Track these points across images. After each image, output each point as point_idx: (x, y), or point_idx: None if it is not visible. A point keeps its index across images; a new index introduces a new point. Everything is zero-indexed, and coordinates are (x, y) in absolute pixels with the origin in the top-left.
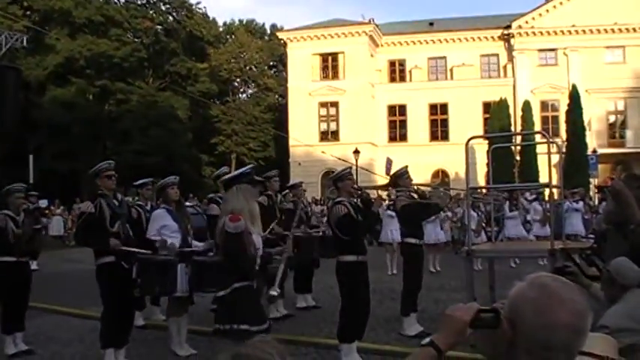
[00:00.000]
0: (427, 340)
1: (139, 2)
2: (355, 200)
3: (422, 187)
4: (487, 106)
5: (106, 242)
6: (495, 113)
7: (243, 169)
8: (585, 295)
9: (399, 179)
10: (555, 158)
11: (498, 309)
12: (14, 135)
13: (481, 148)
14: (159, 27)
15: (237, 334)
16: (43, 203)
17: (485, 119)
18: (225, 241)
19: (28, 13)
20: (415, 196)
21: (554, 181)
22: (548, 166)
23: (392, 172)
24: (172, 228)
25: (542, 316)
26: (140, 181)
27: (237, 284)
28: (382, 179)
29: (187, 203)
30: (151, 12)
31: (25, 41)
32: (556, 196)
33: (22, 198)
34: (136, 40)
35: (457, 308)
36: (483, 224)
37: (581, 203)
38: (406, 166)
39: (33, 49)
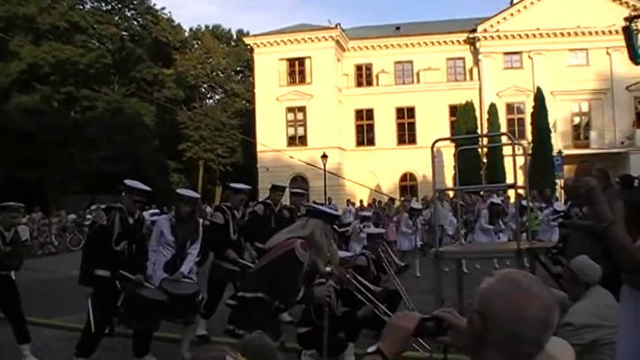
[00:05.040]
0: (374, 347)
1: (104, 8)
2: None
3: None
4: (453, 109)
5: (105, 262)
6: (461, 116)
7: (334, 212)
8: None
9: None
10: (521, 160)
11: (440, 316)
12: None
13: (448, 151)
14: (124, 33)
15: None
16: None
17: (452, 122)
18: (285, 258)
19: None
20: None
21: (520, 182)
22: (513, 167)
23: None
24: (168, 240)
25: (514, 309)
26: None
27: (261, 294)
28: (350, 184)
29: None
30: (116, 18)
31: None
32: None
33: (16, 218)
34: (102, 46)
35: (401, 317)
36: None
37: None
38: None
39: None
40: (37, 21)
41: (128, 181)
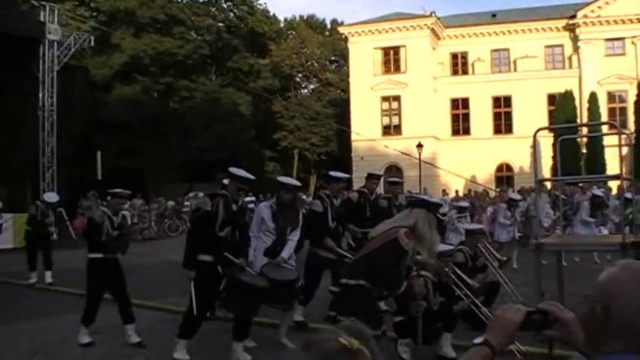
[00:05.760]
0: (481, 339)
1: (201, 0)
2: None
3: None
4: (552, 98)
5: (209, 247)
6: (560, 105)
7: (437, 201)
8: None
9: None
10: (624, 150)
11: (546, 309)
12: (83, 132)
13: (545, 142)
14: (221, 24)
15: None
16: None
17: (550, 112)
18: (389, 247)
19: (95, 14)
20: None
21: (624, 174)
22: (619, 157)
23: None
24: (268, 227)
25: (639, 298)
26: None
27: (363, 282)
28: (445, 174)
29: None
30: (212, 9)
31: (92, 41)
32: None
33: (123, 204)
34: (199, 37)
35: (507, 309)
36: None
37: None
38: None
39: (99, 49)
40: (138, 14)
41: (232, 169)
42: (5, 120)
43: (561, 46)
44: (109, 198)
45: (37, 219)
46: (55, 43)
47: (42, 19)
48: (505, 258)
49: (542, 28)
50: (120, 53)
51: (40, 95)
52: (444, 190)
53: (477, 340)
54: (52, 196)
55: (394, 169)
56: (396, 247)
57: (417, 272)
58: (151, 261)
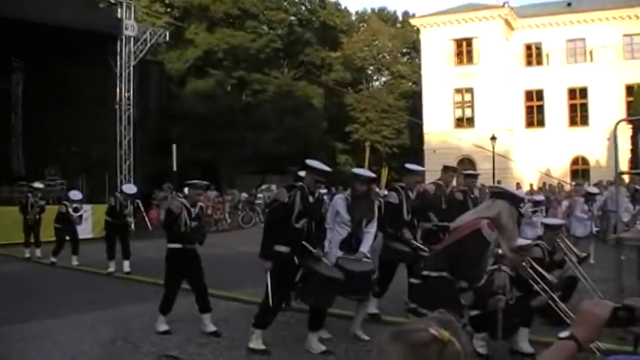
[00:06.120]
0: (567, 333)
1: None
2: None
3: None
4: (630, 89)
5: (285, 239)
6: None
7: (520, 195)
8: None
9: None
10: None
11: (633, 306)
12: (158, 125)
13: (623, 134)
14: (292, 18)
15: None
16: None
17: (629, 103)
18: (471, 238)
19: (169, 9)
20: None
21: None
22: None
23: None
24: (344, 219)
25: None
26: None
27: (445, 274)
28: (518, 167)
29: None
30: (284, 3)
31: (167, 36)
32: None
33: (200, 195)
34: (271, 31)
35: (594, 304)
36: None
37: None
38: None
39: (174, 44)
40: (211, 9)
41: (309, 161)
42: (85, 114)
43: None
44: (185, 189)
45: (115, 210)
46: (132, 39)
47: (119, 15)
48: (584, 254)
49: (620, 17)
50: (194, 48)
51: (118, 90)
52: (517, 184)
53: (563, 334)
54: (130, 188)
55: (467, 162)
56: (479, 238)
57: (498, 266)
58: (225, 252)
